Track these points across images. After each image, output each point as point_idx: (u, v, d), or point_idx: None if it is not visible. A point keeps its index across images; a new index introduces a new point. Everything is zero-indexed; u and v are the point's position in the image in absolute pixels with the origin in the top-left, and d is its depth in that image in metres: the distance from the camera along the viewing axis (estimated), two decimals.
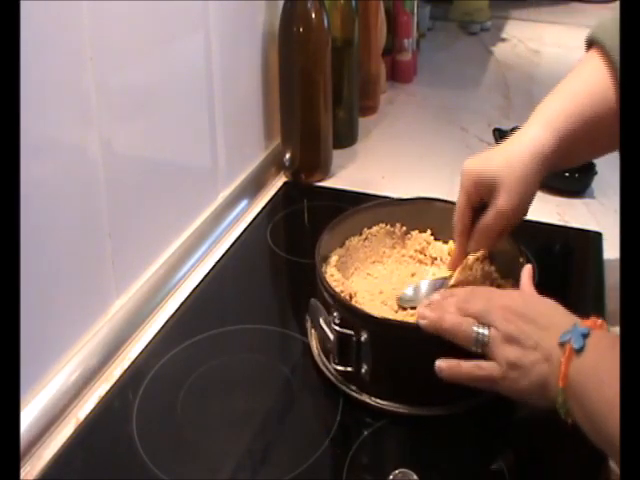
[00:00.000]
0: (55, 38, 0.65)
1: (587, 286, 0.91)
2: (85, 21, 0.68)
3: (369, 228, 0.84)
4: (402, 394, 0.69)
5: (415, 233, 0.85)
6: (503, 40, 1.72)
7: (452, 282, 0.77)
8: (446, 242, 0.84)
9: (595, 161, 1.06)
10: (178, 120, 0.88)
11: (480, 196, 0.73)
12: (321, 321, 0.71)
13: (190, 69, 0.90)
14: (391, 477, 0.62)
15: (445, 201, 0.82)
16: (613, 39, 0.72)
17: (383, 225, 0.84)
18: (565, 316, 0.62)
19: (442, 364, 0.65)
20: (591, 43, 0.76)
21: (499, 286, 0.77)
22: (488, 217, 0.73)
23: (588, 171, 1.07)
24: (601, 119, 0.73)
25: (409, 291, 0.78)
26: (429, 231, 0.85)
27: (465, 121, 1.30)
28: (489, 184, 0.72)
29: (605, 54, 0.74)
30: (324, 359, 0.74)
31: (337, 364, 0.70)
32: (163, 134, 0.85)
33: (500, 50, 1.66)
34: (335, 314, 0.69)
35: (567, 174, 1.07)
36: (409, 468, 0.63)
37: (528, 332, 0.61)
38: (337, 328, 0.68)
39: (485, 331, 0.63)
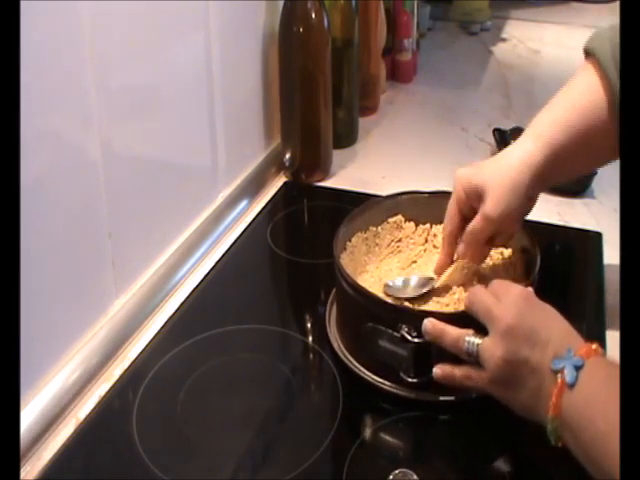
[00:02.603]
0: (55, 38, 0.65)
1: (587, 286, 0.91)
2: (85, 21, 0.68)
3: (349, 241, 0.83)
4: None
5: (387, 226, 0.86)
6: (503, 40, 1.72)
7: (437, 284, 0.78)
8: (417, 224, 0.86)
9: None
10: (178, 120, 0.88)
11: (470, 202, 0.75)
12: (381, 343, 0.70)
13: (190, 69, 0.90)
14: (391, 477, 0.62)
15: (413, 192, 0.85)
16: (608, 52, 0.73)
17: (359, 234, 0.84)
18: (563, 330, 0.62)
19: (438, 371, 0.67)
20: (588, 53, 0.77)
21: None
22: (475, 221, 0.74)
23: None
24: (593, 132, 0.74)
25: (398, 281, 0.79)
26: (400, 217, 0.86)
27: (465, 121, 1.30)
28: (478, 191, 0.74)
29: (599, 68, 0.74)
30: (384, 381, 0.72)
31: (414, 377, 0.69)
32: (163, 134, 0.85)
33: (500, 50, 1.66)
34: (405, 327, 0.68)
35: None
36: (409, 468, 0.63)
37: (520, 345, 0.61)
38: (416, 340, 0.67)
39: (476, 341, 0.63)
